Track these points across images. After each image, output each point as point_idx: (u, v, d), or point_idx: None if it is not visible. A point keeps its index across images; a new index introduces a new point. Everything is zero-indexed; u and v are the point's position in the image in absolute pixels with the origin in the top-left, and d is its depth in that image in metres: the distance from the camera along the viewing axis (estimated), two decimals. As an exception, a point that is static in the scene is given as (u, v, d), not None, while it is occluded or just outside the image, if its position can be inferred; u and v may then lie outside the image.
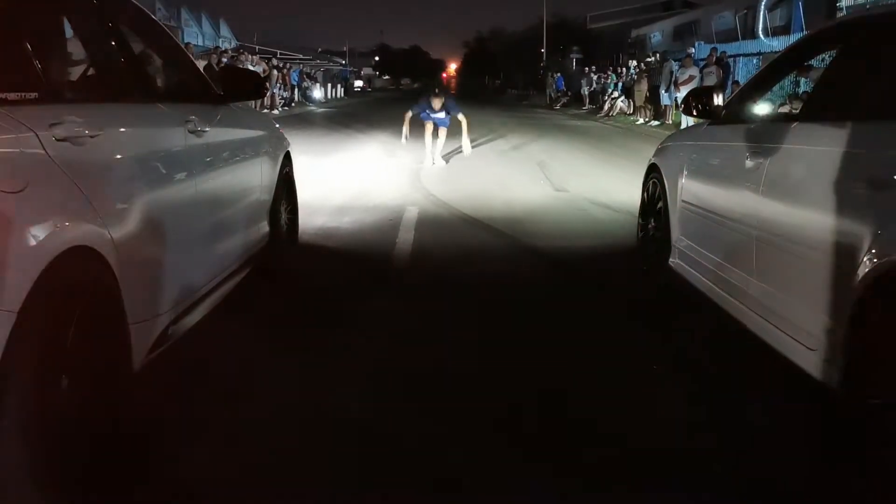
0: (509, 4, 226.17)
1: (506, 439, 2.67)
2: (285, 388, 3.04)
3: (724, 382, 3.27)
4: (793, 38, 26.20)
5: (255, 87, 3.80)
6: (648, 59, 23.47)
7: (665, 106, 18.98)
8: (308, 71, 36.05)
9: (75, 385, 1.94)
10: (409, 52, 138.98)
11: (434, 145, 10.72)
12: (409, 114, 10.80)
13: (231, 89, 3.68)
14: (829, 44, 3.80)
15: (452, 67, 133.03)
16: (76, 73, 2.83)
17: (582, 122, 23.86)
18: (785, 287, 2.96)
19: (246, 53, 23.31)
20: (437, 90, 11.04)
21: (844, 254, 2.45)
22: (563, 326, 3.97)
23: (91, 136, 2.20)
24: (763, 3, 31.41)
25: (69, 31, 2.76)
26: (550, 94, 39.15)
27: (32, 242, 1.75)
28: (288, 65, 31.52)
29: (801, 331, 2.77)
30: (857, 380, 2.33)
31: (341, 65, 74.68)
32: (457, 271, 5.03)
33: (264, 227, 4.21)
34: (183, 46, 4.30)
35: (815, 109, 3.17)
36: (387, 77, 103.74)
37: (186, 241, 2.95)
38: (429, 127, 10.66)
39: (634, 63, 25.45)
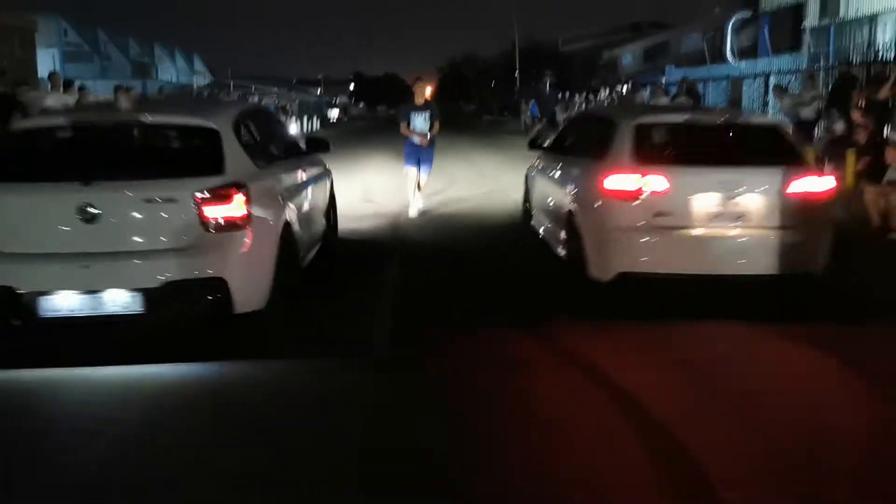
0: (483, 29, 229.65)
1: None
2: (350, 292, 6.31)
3: (530, 256, 7.68)
4: (760, 60, 26.84)
5: (325, 145, 7.17)
6: (618, 88, 23.87)
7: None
8: (283, 104, 36.16)
9: (294, 261, 5.40)
10: (384, 79, 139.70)
11: (415, 193, 10.21)
12: (401, 125, 10.29)
13: (311, 147, 6.99)
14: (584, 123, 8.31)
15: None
16: (260, 146, 5.59)
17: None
18: (556, 223, 6.79)
19: (220, 94, 23.48)
20: (418, 78, 10.88)
21: (565, 208, 6.34)
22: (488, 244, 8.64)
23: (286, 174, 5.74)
24: (730, 26, 32.10)
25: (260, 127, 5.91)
26: (525, 121, 39.55)
27: (277, 221, 4.93)
28: (262, 100, 31.69)
29: (559, 240, 6.64)
30: (571, 260, 6.06)
31: (316, 95, 74.93)
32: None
33: (323, 220, 6.99)
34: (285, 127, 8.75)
35: (560, 147, 7.85)
36: (362, 105, 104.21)
37: (308, 222, 5.97)
38: (411, 174, 10.04)
39: (607, 91, 25.84)
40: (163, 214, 4.31)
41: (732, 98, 22.87)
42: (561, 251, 6.55)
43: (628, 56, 48.32)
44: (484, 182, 13.90)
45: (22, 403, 3.66)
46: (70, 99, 13.24)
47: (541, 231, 7.67)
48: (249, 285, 4.52)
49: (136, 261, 4.27)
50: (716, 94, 24.25)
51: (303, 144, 7.07)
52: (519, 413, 3.45)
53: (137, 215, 4.31)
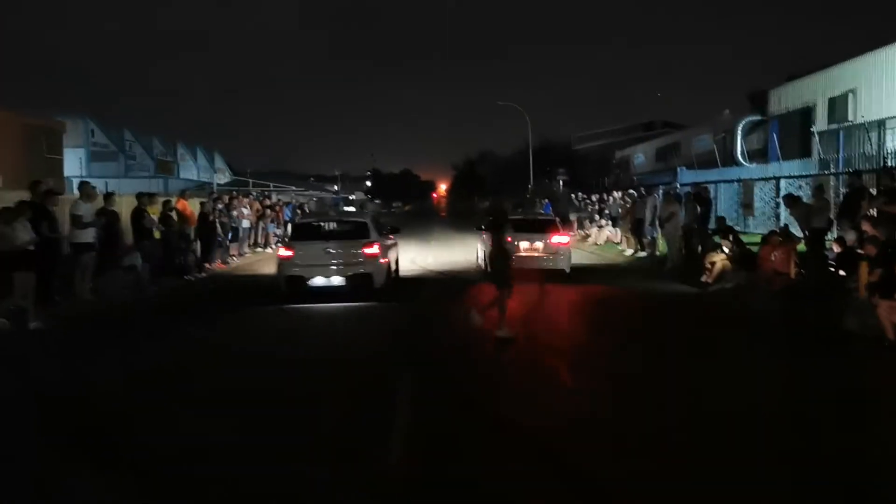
0: (498, 129, 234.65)
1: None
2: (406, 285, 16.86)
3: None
4: (770, 165, 27.20)
5: (397, 230, 16.57)
6: (631, 192, 24.19)
7: (651, 238, 19.52)
8: (300, 203, 36.87)
9: (393, 267, 15.36)
10: (400, 176, 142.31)
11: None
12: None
13: (392, 231, 15.84)
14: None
15: (442, 188, 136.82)
16: (379, 228, 15.05)
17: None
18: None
19: (240, 197, 24.05)
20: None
21: (483, 250, 16.38)
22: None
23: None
24: (740, 128, 32.75)
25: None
26: None
27: (387, 257, 14.26)
28: (280, 201, 32.38)
29: (478, 262, 17.93)
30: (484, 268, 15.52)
31: (333, 192, 76.47)
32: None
33: (397, 262, 15.94)
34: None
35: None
36: (378, 201, 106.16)
37: (393, 260, 15.20)
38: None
39: (619, 194, 26.17)
40: (353, 251, 13.21)
41: (745, 202, 23.08)
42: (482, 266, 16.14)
43: (640, 156, 49.27)
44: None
45: (304, 314, 11.98)
46: (96, 206, 13.98)
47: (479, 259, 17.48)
48: (379, 278, 13.19)
49: (344, 268, 13.15)
50: (727, 196, 24.51)
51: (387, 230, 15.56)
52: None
53: (343, 251, 13.26)
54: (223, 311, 12.80)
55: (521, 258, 15.12)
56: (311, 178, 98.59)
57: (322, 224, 14.94)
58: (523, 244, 15.73)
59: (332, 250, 13.34)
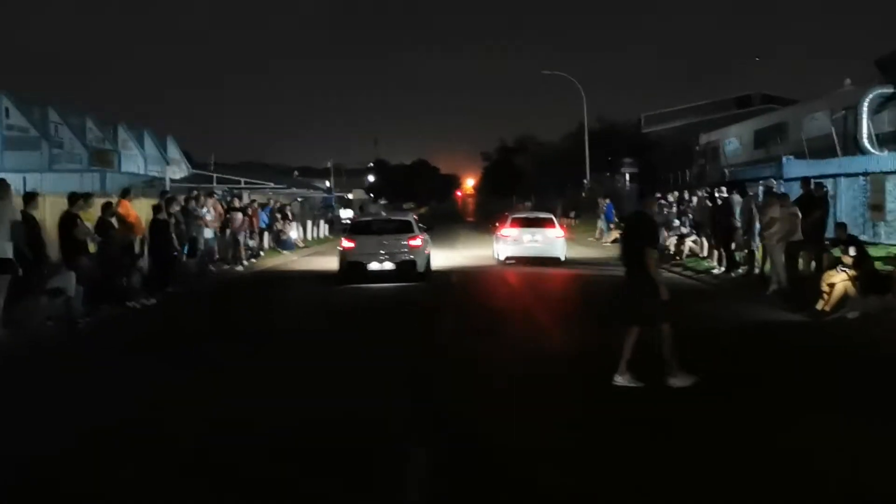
0: (542, 109, 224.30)
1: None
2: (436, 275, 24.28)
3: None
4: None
5: (429, 228, 28.63)
6: (721, 192, 24.09)
7: (750, 250, 19.45)
8: (281, 205, 37.03)
9: (429, 260, 24.97)
10: (413, 168, 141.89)
11: None
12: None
13: (426, 226, 27.22)
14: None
15: (469, 184, 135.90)
16: (420, 224, 26.26)
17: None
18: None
19: (203, 197, 24.19)
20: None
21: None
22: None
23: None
24: (866, 103, 32.41)
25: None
26: (601, 228, 39.56)
27: (427, 248, 24.10)
28: (255, 202, 32.57)
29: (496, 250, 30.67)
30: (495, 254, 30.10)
31: (325, 190, 76.58)
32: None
33: (430, 254, 24.70)
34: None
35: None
36: (383, 201, 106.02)
37: (429, 251, 24.48)
38: None
39: (702, 192, 26.11)
40: (401, 243, 22.51)
41: (873, 203, 22.85)
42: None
43: (733, 140, 48.59)
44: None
45: (359, 290, 20.93)
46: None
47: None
48: (421, 264, 22.51)
49: (396, 254, 22.22)
50: (850, 195, 24.26)
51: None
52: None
53: (393, 243, 22.46)
54: (183, 354, 12.39)
55: (525, 248, 27.50)
56: (296, 172, 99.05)
57: (375, 222, 25.69)
58: (526, 237, 27.62)
59: (384, 242, 22.48)
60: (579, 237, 40.09)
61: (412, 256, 22.15)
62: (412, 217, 25.65)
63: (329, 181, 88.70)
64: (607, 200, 39.36)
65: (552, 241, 26.94)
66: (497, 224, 30.91)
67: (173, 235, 19.12)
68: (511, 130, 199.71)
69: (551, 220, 28.77)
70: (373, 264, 21.82)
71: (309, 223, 44.48)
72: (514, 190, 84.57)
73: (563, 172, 61.76)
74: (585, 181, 50.27)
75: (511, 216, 30.58)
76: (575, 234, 40.16)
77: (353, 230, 24.37)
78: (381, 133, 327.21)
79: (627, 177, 46.04)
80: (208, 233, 23.02)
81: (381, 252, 21.98)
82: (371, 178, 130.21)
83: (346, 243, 22.48)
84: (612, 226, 37.59)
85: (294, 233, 37.06)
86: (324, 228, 48.79)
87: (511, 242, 27.92)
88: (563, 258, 26.74)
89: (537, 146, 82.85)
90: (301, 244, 37.99)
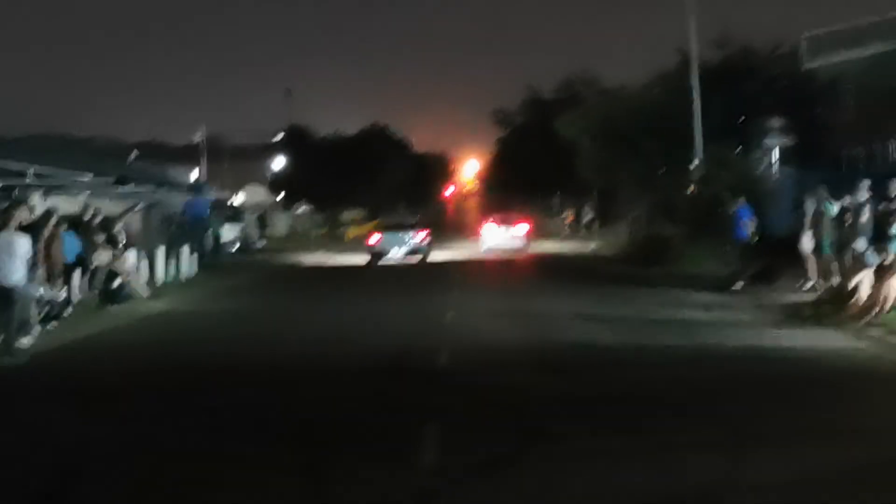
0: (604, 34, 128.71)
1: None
2: (434, 267, 34.68)
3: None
4: None
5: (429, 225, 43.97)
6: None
7: None
8: (108, 219, 20.62)
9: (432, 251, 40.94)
10: (362, 140, 73.86)
11: None
12: None
13: (424, 225, 41.04)
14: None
15: (468, 173, 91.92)
16: (424, 222, 43.76)
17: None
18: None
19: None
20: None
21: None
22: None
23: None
24: None
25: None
26: (728, 253, 21.53)
27: (432, 243, 40.13)
28: (55, 214, 17.35)
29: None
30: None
31: (189, 187, 36.42)
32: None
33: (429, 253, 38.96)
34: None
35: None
36: (305, 206, 67.94)
37: (433, 244, 40.04)
38: None
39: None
40: (413, 235, 38.09)
41: None
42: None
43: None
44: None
45: (385, 269, 34.48)
46: None
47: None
48: (428, 254, 37.65)
49: (407, 246, 37.71)
50: None
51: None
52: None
53: (406, 236, 37.94)
54: None
55: (501, 243, 39.28)
56: (135, 151, 48.98)
57: (394, 222, 39.68)
58: (498, 231, 40.41)
59: (401, 236, 35.88)
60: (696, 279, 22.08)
61: (422, 246, 37.17)
62: (417, 218, 46.32)
63: (200, 167, 56.23)
64: (742, 199, 21.20)
65: (518, 236, 40.58)
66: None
67: None
68: (552, 70, 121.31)
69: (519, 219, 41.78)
70: (392, 252, 36.28)
71: (160, 251, 25.04)
72: (557, 179, 52.83)
73: (654, 143, 33.48)
74: (697, 160, 29.50)
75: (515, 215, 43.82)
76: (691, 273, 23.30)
77: (378, 228, 40.58)
78: (303, 87, 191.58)
79: (776, 152, 28.30)
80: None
81: (399, 243, 36.26)
82: (280, 162, 70.95)
83: (374, 237, 37.12)
84: (740, 249, 20.59)
85: (135, 270, 21.57)
86: (190, 261, 27.80)
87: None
88: (527, 250, 39.11)
89: (600, 95, 45.91)
90: (145, 293, 21.09)
